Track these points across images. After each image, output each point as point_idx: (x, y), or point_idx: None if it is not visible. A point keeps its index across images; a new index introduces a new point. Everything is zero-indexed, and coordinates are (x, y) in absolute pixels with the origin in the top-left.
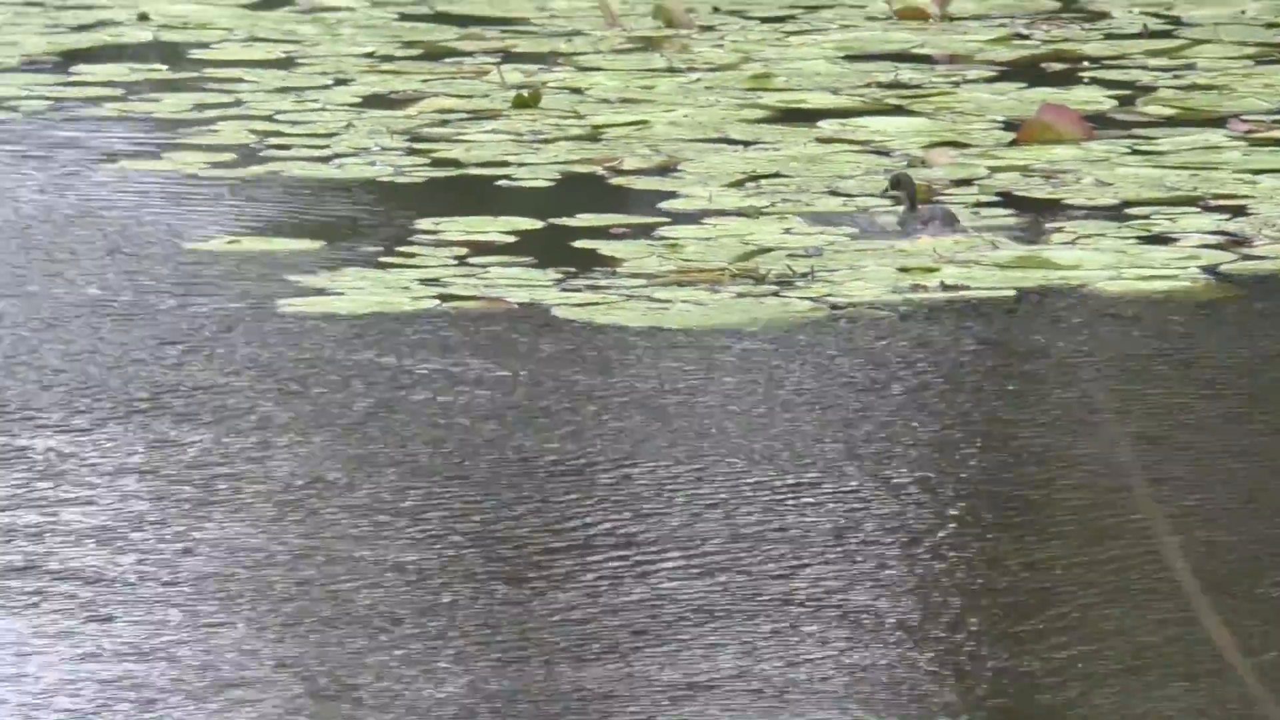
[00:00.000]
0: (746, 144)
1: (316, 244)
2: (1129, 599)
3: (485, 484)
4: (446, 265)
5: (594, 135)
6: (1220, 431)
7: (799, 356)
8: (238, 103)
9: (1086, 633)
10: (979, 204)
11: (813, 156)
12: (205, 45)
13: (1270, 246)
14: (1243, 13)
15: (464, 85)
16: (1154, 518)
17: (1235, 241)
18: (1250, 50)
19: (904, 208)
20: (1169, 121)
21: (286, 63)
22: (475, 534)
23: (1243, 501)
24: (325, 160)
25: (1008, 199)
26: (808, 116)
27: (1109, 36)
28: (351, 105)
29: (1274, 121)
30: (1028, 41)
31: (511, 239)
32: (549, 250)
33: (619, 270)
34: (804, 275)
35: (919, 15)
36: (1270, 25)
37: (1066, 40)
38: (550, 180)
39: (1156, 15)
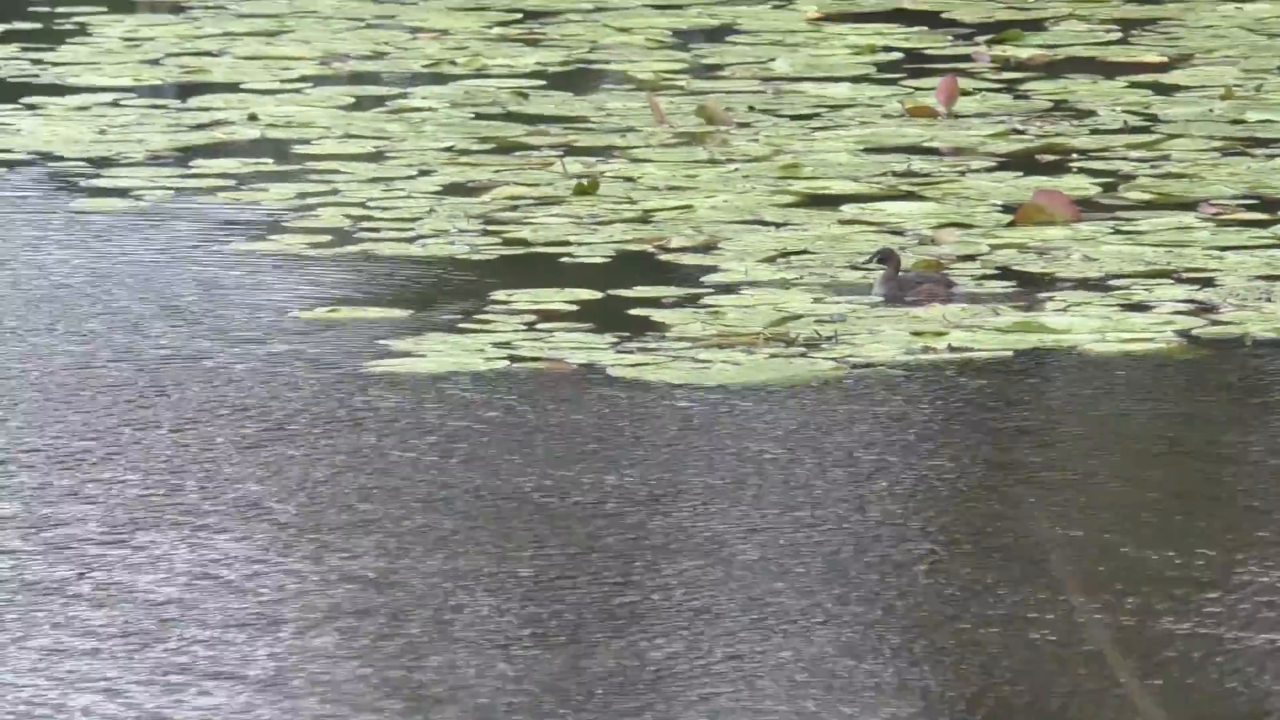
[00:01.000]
0: (778, 225)
1: (404, 313)
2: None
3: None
4: (517, 330)
5: (645, 218)
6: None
7: (822, 409)
8: (335, 191)
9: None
10: (983, 277)
11: (836, 236)
12: (307, 141)
13: (1235, 313)
14: (1210, 110)
15: (531, 175)
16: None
17: (1204, 309)
18: (1217, 143)
19: (882, 273)
20: (1147, 205)
21: (377, 156)
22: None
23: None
24: (410, 240)
25: (1006, 272)
26: (832, 201)
27: (1094, 132)
28: (433, 193)
29: (1239, 205)
30: (1023, 136)
31: (574, 308)
32: (606, 317)
33: (667, 334)
34: (828, 339)
35: (928, 114)
36: (1235, 121)
37: (1058, 135)
38: (607, 257)
39: (1136, 113)
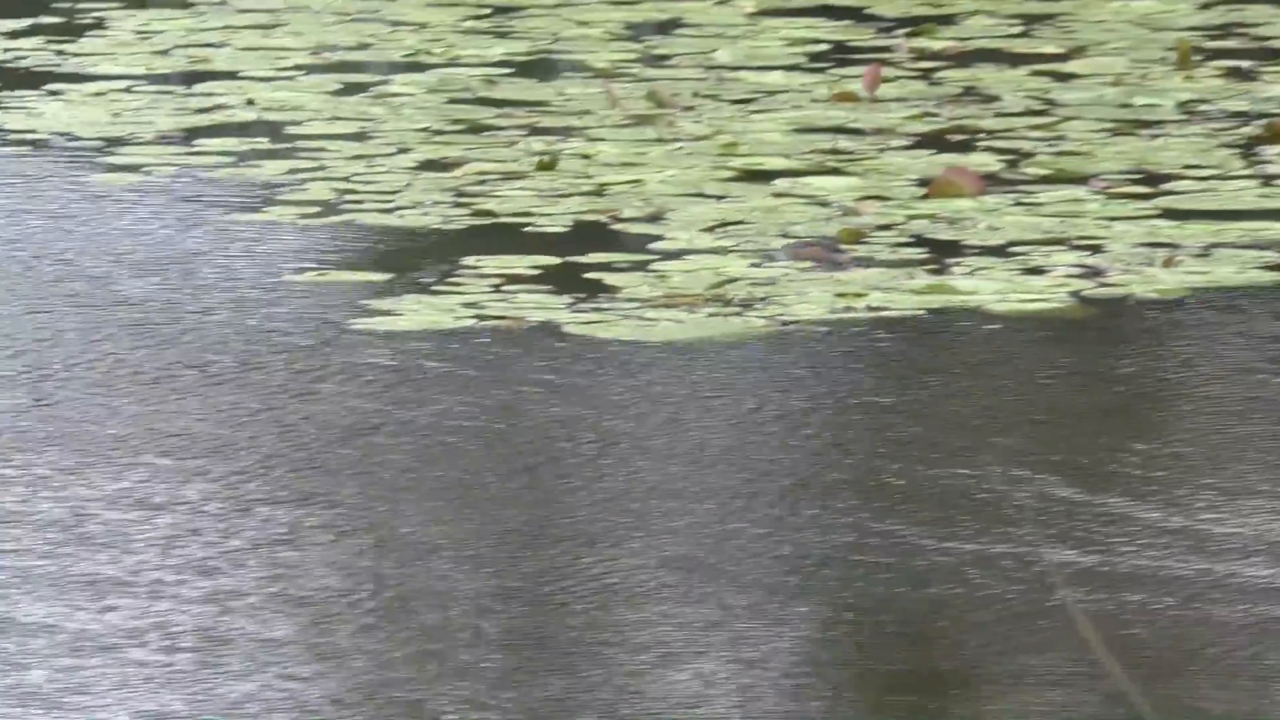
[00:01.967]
0: (719, 198)
1: (384, 276)
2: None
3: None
4: (484, 292)
5: (600, 191)
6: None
7: (756, 362)
8: (323, 167)
9: None
10: (898, 244)
11: (769, 207)
12: (298, 123)
13: (1121, 276)
14: (1101, 96)
15: (498, 153)
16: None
17: (1094, 273)
18: (1108, 125)
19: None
20: (1045, 180)
21: (361, 136)
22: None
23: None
24: (390, 211)
25: (920, 240)
26: (766, 176)
27: (999, 115)
28: (410, 169)
29: (1126, 180)
30: (936, 119)
31: (536, 272)
32: (564, 280)
33: (618, 296)
34: (761, 300)
35: (852, 99)
36: (1123, 105)
37: (967, 117)
38: (565, 227)
39: (1036, 98)
